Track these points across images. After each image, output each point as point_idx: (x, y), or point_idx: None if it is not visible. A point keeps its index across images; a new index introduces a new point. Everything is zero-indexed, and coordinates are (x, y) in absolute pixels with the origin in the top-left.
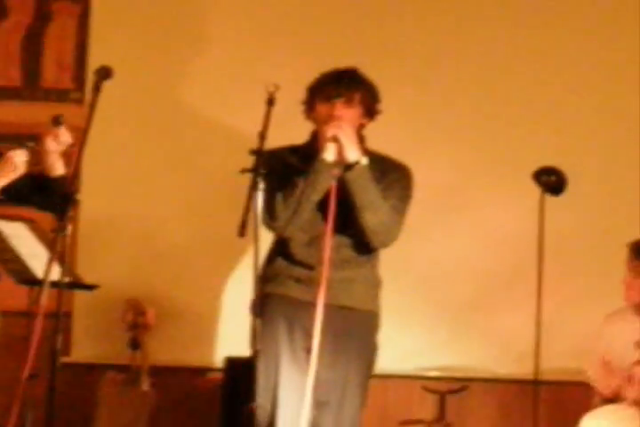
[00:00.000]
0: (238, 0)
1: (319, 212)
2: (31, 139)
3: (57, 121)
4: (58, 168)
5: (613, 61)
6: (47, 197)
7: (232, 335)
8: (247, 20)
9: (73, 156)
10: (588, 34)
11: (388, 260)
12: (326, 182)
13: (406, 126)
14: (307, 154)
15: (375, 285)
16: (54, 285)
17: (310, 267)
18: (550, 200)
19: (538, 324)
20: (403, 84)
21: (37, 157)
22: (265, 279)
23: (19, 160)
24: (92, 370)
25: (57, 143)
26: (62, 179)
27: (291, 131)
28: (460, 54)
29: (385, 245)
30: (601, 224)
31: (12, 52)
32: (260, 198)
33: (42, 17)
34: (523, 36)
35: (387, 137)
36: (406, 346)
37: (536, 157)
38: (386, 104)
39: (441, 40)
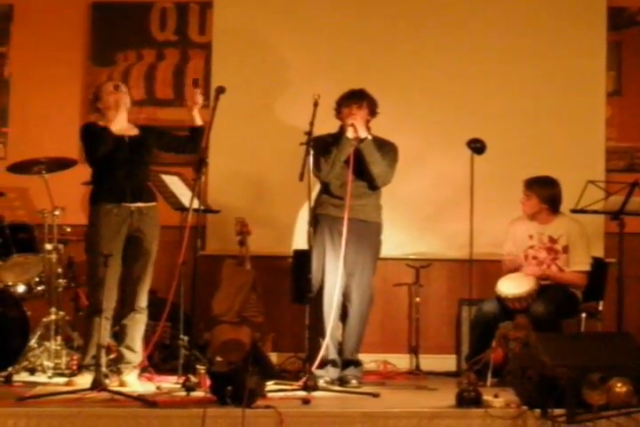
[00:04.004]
0: (303, 49)
1: (345, 167)
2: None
3: (195, 83)
4: (197, 120)
5: (518, 67)
6: (195, 145)
7: (298, 237)
8: (306, 59)
9: (206, 136)
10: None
11: (385, 193)
12: (349, 150)
13: (390, 119)
14: (337, 136)
15: (378, 207)
16: (195, 210)
17: (341, 198)
18: (476, 158)
19: (471, 227)
20: (390, 94)
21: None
22: (316, 205)
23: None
24: (217, 258)
25: (192, 102)
26: (201, 127)
27: (327, 122)
28: (432, 65)
29: (384, 185)
30: (505, 170)
31: (167, 79)
32: (310, 160)
33: (183, 59)
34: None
35: (380, 126)
36: (396, 241)
37: (468, 132)
38: (381, 108)
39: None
